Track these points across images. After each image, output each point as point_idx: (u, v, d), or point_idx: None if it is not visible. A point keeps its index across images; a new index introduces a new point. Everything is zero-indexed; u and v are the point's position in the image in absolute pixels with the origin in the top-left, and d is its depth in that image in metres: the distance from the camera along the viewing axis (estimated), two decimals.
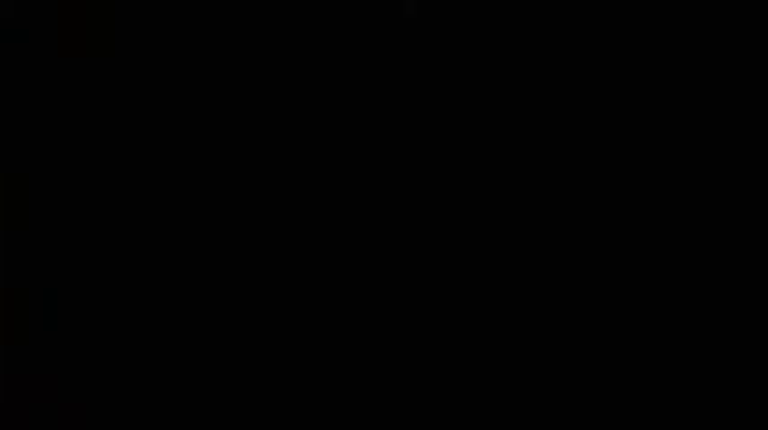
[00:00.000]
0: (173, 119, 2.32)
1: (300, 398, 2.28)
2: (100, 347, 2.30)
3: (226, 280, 2.29)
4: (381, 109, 2.30)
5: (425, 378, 2.27)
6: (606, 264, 2.25)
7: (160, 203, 2.31)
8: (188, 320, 2.29)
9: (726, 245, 2.23)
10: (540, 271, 2.26)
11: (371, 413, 2.27)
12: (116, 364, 2.30)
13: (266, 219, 2.30)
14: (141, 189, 2.31)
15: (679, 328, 2.24)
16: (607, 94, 2.26)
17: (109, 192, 2.31)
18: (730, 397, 2.22)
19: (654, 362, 2.23)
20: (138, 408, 2.29)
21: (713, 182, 2.24)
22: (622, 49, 2.26)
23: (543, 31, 2.27)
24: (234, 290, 2.29)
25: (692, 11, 2.25)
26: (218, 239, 2.30)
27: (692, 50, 2.25)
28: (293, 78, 2.30)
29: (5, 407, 2.28)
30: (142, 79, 2.32)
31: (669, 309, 2.24)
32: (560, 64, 2.27)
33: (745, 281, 2.22)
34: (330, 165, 2.30)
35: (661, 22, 2.26)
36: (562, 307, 2.26)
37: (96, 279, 2.30)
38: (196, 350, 2.29)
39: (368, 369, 2.28)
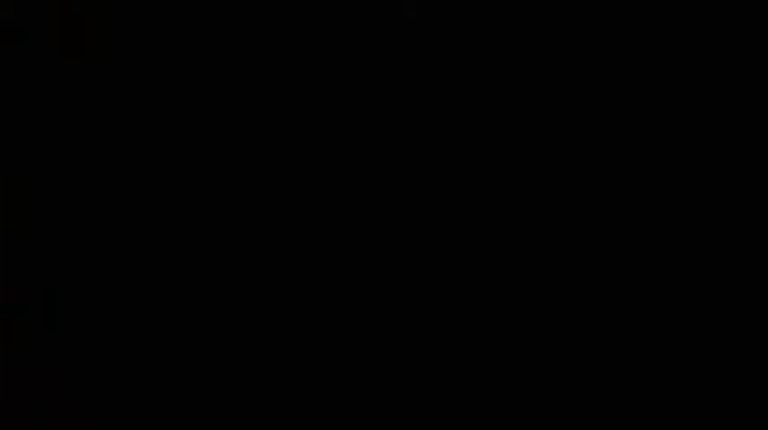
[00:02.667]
0: (173, 119, 2.32)
1: (300, 398, 2.28)
2: (100, 347, 2.30)
3: (226, 280, 2.30)
4: (381, 110, 2.30)
5: (425, 378, 2.27)
6: (606, 264, 2.25)
7: (160, 203, 2.31)
8: (188, 320, 2.30)
9: (726, 245, 2.24)
10: (540, 271, 2.26)
11: (371, 413, 2.27)
12: (116, 364, 2.30)
13: (266, 219, 2.30)
14: (141, 189, 2.31)
15: (679, 328, 2.24)
16: (608, 97, 2.26)
17: (109, 191, 2.31)
18: (730, 397, 2.22)
19: (654, 363, 2.23)
20: (138, 408, 2.29)
21: (713, 182, 2.24)
22: (623, 51, 2.26)
23: (544, 32, 2.27)
24: (234, 290, 2.29)
25: (691, 11, 2.25)
26: (218, 239, 2.30)
27: (692, 50, 2.26)
28: (293, 79, 2.30)
29: (5, 407, 2.29)
30: (142, 79, 2.32)
31: (669, 309, 2.24)
32: (561, 65, 2.27)
33: (745, 281, 2.23)
34: (330, 166, 2.30)
35: (661, 22, 2.26)
36: (562, 307, 2.26)
37: (96, 279, 2.30)
38: (196, 350, 2.29)
39: (368, 369, 2.28)
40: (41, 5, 2.32)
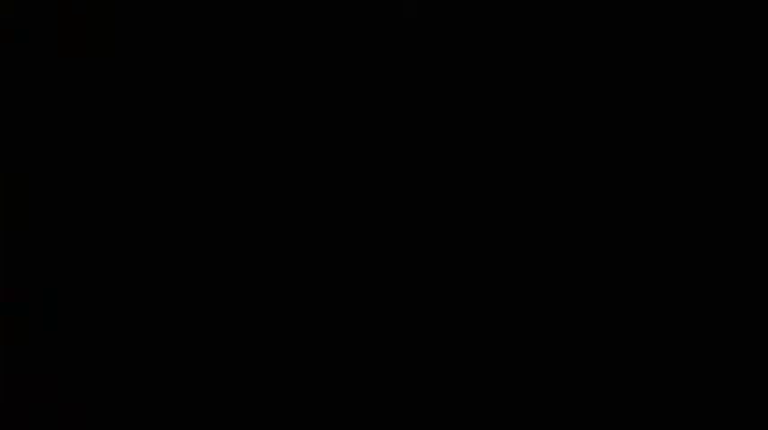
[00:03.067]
0: (173, 119, 2.32)
1: (300, 398, 2.28)
2: (100, 347, 2.30)
3: (226, 280, 2.30)
4: (381, 110, 2.30)
5: (425, 378, 2.27)
6: (606, 265, 2.25)
7: (160, 203, 2.31)
8: (188, 320, 2.30)
9: (726, 245, 2.24)
10: (540, 271, 2.26)
11: (371, 413, 2.27)
12: (116, 364, 2.30)
13: (266, 219, 2.30)
14: (141, 189, 2.31)
15: (679, 328, 2.24)
16: (608, 97, 2.26)
17: (109, 191, 2.31)
18: (730, 397, 2.22)
19: (654, 363, 2.23)
20: (138, 408, 2.29)
21: (713, 182, 2.24)
22: (623, 51, 2.26)
23: (544, 32, 2.27)
24: (234, 290, 2.30)
25: (691, 11, 2.25)
26: (218, 239, 2.30)
27: (692, 50, 2.26)
28: (293, 79, 2.30)
29: (5, 407, 2.29)
30: (142, 79, 2.32)
31: (669, 309, 2.24)
32: (561, 65, 2.27)
33: (745, 281, 2.23)
34: (330, 166, 2.30)
35: (661, 23, 2.26)
36: (562, 307, 2.26)
37: (96, 279, 2.30)
38: (196, 350, 2.29)
39: (368, 369, 2.28)
40: (41, 5, 2.32)
